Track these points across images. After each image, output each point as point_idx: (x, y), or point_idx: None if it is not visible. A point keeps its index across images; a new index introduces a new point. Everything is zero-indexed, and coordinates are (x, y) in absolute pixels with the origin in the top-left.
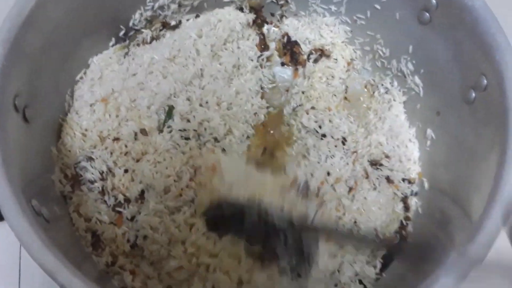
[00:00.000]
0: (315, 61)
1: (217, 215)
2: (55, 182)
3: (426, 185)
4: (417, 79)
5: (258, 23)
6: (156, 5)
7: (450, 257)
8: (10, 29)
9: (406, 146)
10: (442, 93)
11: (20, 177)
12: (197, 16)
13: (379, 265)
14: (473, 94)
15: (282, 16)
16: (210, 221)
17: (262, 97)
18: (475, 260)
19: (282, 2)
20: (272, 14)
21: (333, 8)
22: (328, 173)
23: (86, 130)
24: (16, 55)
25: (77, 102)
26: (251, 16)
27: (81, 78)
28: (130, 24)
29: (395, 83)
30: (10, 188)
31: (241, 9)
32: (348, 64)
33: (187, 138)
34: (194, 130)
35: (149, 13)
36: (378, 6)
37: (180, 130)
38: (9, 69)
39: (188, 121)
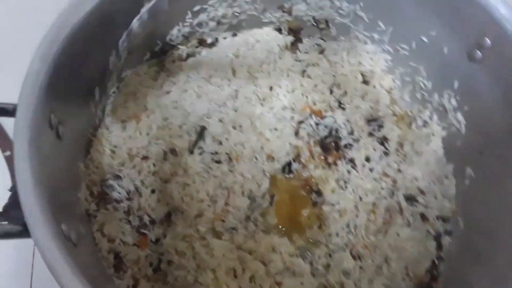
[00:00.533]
0: None
1: None
2: (81, 199)
3: (461, 224)
4: (459, 115)
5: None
6: (195, 21)
7: None
8: (50, 44)
9: (442, 183)
10: (487, 133)
11: (51, 199)
12: (235, 34)
13: None
14: None
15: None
16: None
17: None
18: None
19: (322, 26)
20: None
21: (376, 36)
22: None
23: (115, 146)
24: (55, 72)
25: (109, 117)
26: (290, 39)
27: (114, 92)
28: (167, 39)
29: (435, 117)
30: (40, 211)
31: (279, 30)
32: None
33: (218, 162)
34: (226, 153)
35: (187, 29)
36: (425, 39)
37: (211, 153)
38: (48, 86)
39: (220, 143)
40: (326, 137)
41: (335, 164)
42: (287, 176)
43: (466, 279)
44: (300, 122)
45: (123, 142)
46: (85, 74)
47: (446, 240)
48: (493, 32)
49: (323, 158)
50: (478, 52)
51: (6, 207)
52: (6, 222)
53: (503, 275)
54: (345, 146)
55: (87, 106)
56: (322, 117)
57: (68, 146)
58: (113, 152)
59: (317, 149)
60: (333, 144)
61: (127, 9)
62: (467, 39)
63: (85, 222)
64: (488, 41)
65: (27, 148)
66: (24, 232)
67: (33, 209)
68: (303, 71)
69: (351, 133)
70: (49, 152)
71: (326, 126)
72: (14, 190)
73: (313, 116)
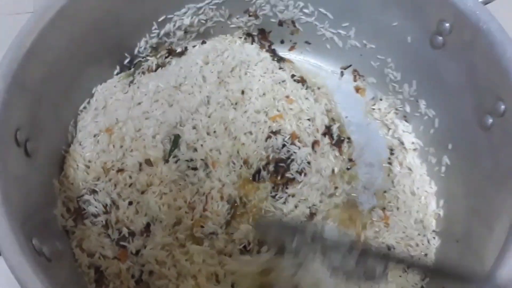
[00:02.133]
0: None
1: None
2: (57, 216)
3: None
4: (430, 103)
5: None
6: (162, 32)
7: None
8: (10, 63)
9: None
10: (457, 119)
11: (21, 214)
12: (203, 42)
13: None
14: (490, 120)
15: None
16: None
17: None
18: None
19: (289, 26)
20: (282, 42)
21: (343, 32)
22: None
23: (89, 161)
24: (17, 89)
25: (81, 133)
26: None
27: (85, 108)
28: (135, 51)
29: (408, 108)
30: (9, 227)
31: (248, 35)
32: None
33: (194, 168)
34: (202, 159)
35: (154, 40)
36: (388, 31)
37: (187, 160)
38: (10, 103)
39: (195, 150)
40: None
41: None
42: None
43: None
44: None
45: (97, 156)
46: (50, 91)
47: None
48: (450, 16)
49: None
50: (439, 38)
51: None
52: None
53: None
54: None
55: (57, 122)
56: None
57: (40, 164)
58: (87, 167)
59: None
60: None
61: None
62: (428, 26)
63: (63, 238)
64: (447, 25)
65: None
66: None
67: (1, 227)
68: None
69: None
70: (18, 170)
71: (288, 151)
72: None
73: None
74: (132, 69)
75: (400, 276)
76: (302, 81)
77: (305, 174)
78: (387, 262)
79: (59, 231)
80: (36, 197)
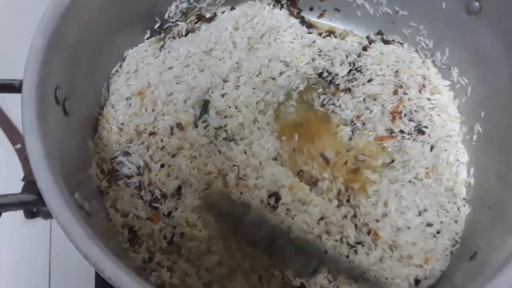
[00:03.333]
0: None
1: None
2: (92, 176)
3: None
4: (463, 72)
5: (295, 16)
6: None
7: None
8: (50, 21)
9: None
10: (491, 86)
11: (62, 170)
12: (233, 8)
13: None
14: None
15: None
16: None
17: None
18: None
19: None
20: (311, 9)
21: None
22: None
23: (122, 124)
24: (56, 47)
25: (113, 95)
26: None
27: (117, 71)
28: (165, 16)
29: (439, 75)
30: (53, 180)
31: (277, 1)
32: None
33: (224, 137)
34: (230, 129)
35: (184, 5)
36: None
37: (215, 128)
38: (50, 61)
39: (225, 117)
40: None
41: None
42: None
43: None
44: None
45: (130, 119)
46: (85, 52)
47: None
48: None
49: None
50: (476, 3)
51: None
52: (20, 192)
53: None
54: None
55: (91, 84)
56: None
57: (77, 124)
58: (120, 129)
59: None
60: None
61: None
62: None
63: (98, 198)
64: None
65: (36, 121)
66: (38, 201)
67: (45, 178)
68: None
69: None
70: (57, 128)
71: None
72: (27, 179)
73: None
74: (162, 34)
75: None
76: (330, 33)
77: None
78: (320, 265)
79: (94, 191)
80: (73, 157)
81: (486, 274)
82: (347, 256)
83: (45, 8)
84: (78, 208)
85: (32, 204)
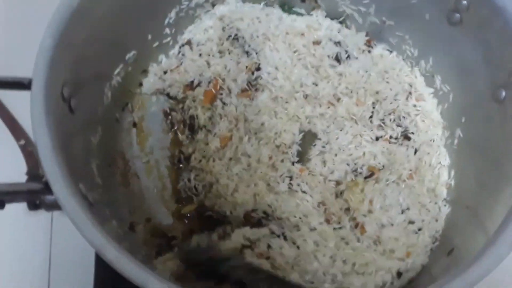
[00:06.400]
0: None
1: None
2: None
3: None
4: (445, 79)
5: None
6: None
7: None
8: (59, 22)
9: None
10: (471, 93)
11: (67, 163)
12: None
13: None
14: (503, 93)
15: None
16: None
17: None
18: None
19: (313, 4)
20: None
21: (362, 9)
22: None
23: None
24: (64, 46)
25: None
26: None
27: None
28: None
29: (424, 83)
30: (60, 171)
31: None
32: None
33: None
34: None
35: None
36: (407, 7)
37: None
38: (58, 60)
39: None
40: None
41: None
42: None
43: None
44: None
45: None
46: (92, 51)
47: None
48: None
49: None
50: (457, 15)
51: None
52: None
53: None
54: None
55: (97, 83)
56: None
57: (81, 120)
58: None
59: None
60: None
61: None
62: (446, 3)
63: (99, 189)
64: (464, 2)
65: (44, 116)
66: (45, 189)
67: (52, 169)
68: None
69: None
70: (63, 123)
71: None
72: (30, 173)
73: None
74: None
75: None
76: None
77: None
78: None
79: (95, 183)
80: (76, 151)
81: (459, 267)
82: None
83: (54, 9)
84: (82, 197)
85: (39, 192)
